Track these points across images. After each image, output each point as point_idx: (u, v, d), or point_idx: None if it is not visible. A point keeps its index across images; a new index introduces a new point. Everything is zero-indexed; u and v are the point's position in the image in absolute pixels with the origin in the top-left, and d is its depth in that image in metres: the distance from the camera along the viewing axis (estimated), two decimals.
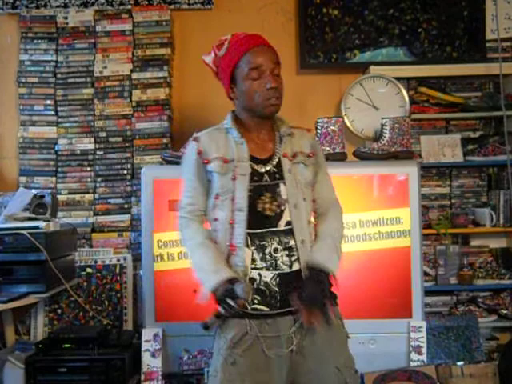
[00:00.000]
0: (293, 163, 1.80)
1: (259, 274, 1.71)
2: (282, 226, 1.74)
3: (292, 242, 1.73)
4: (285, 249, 1.72)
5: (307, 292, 1.65)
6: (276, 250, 1.72)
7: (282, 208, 1.74)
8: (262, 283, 1.71)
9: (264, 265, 1.71)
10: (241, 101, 1.81)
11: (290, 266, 1.73)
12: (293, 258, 1.73)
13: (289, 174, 1.77)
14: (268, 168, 1.78)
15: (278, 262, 1.71)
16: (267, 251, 1.72)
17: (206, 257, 1.74)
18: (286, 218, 1.74)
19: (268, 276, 1.71)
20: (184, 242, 1.83)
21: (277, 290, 1.71)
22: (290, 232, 1.74)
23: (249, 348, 1.68)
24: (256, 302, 1.72)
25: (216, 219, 1.77)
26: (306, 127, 1.95)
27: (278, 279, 1.71)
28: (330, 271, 1.72)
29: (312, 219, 1.84)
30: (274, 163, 1.79)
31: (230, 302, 1.61)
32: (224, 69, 1.81)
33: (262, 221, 1.73)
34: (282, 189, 1.76)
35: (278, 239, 1.73)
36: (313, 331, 1.69)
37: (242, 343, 1.69)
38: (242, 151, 1.77)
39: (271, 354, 1.68)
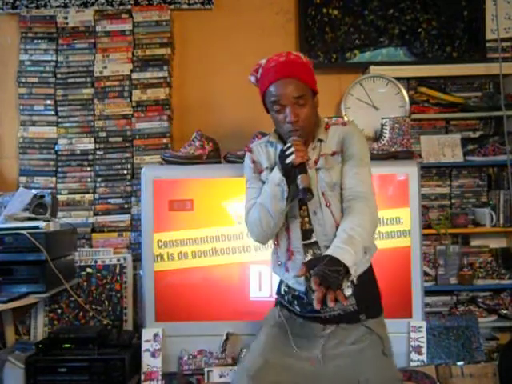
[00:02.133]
0: (315, 169, 1.80)
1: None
2: (314, 237, 1.80)
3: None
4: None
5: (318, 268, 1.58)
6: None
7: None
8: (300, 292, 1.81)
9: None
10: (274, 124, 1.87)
11: None
12: None
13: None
14: None
15: None
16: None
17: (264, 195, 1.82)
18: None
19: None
20: (252, 218, 1.85)
21: (312, 297, 1.67)
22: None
23: (275, 325, 1.85)
24: (294, 302, 1.84)
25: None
26: (345, 120, 1.90)
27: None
28: (341, 260, 1.58)
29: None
30: None
31: (286, 146, 1.75)
32: (260, 93, 1.86)
33: (300, 234, 1.81)
34: None
35: (311, 251, 1.79)
36: (349, 354, 1.75)
37: (270, 321, 1.88)
38: None
39: (295, 347, 1.80)
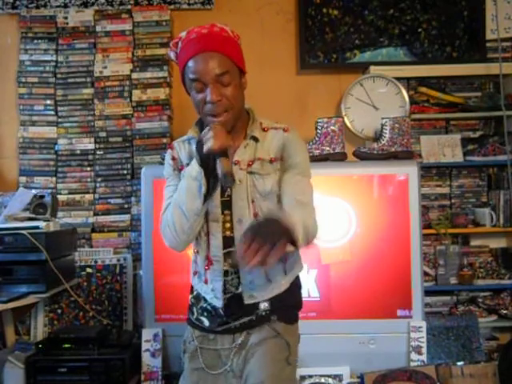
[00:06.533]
0: (247, 172, 1.61)
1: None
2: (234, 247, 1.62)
3: None
4: (236, 272, 1.63)
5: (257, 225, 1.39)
6: (226, 273, 1.63)
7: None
8: (211, 304, 1.67)
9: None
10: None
11: (237, 288, 1.63)
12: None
13: (238, 184, 1.60)
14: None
15: (227, 286, 1.63)
16: None
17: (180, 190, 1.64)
18: None
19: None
20: (165, 219, 1.65)
21: (222, 313, 1.65)
22: None
23: (192, 356, 1.70)
24: (203, 314, 1.69)
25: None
26: (286, 125, 1.69)
27: (225, 301, 1.64)
28: (290, 224, 1.38)
29: None
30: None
31: (204, 132, 1.54)
32: (179, 70, 1.64)
33: (221, 241, 1.63)
34: None
35: (230, 261, 1.63)
36: (252, 355, 1.61)
37: (188, 349, 1.71)
38: None
39: (208, 370, 1.66)
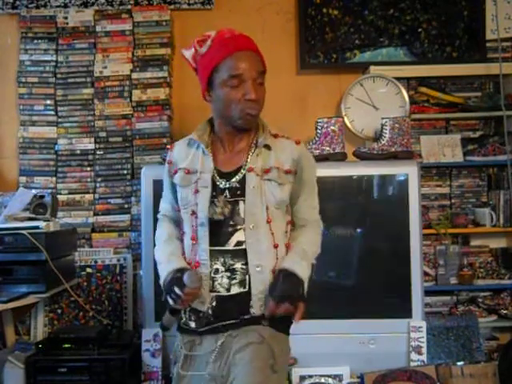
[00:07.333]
0: (262, 179, 1.63)
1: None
2: (231, 245, 1.62)
3: (238, 265, 1.61)
4: (227, 270, 1.62)
5: (277, 289, 1.58)
6: (216, 271, 1.62)
7: (238, 228, 1.62)
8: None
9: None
10: (216, 107, 1.67)
11: (228, 289, 1.62)
12: (233, 281, 1.62)
13: (252, 190, 1.62)
14: (230, 183, 1.65)
15: (215, 284, 1.62)
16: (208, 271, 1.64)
17: (165, 251, 1.73)
18: (237, 237, 1.62)
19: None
20: (155, 241, 1.81)
21: (210, 312, 1.63)
22: (238, 253, 1.62)
23: (182, 364, 1.68)
24: (190, 318, 1.68)
25: (183, 233, 1.73)
26: (295, 138, 1.73)
27: (214, 302, 1.63)
28: (298, 275, 1.60)
29: (283, 242, 1.69)
30: (239, 178, 1.64)
31: (177, 290, 1.57)
32: (202, 69, 1.66)
33: (211, 238, 1.63)
34: (241, 207, 1.62)
35: (222, 259, 1.62)
36: (237, 361, 1.57)
37: (178, 358, 1.70)
38: (206, 163, 1.67)
39: (194, 372, 1.64)
